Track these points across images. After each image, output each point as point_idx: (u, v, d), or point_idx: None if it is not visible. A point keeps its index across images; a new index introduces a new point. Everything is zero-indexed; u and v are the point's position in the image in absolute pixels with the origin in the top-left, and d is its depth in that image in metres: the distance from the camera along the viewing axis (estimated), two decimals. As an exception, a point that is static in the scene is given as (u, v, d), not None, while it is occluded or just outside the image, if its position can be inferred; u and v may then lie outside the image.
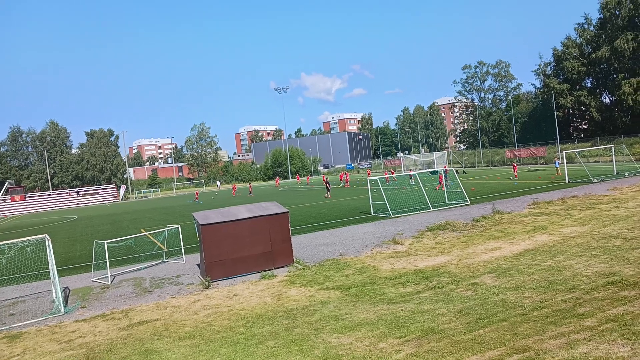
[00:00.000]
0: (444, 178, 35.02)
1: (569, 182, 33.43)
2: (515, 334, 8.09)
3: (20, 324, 11.93)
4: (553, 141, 71.51)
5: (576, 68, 76.09)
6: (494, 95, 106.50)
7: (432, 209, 25.67)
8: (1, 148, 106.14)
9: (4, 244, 13.51)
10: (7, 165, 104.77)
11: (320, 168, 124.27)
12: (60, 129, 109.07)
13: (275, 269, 15.08)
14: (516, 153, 70.86)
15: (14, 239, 13.86)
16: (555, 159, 48.09)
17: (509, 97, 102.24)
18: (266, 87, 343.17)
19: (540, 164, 62.74)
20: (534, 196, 26.92)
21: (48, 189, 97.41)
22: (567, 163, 36.60)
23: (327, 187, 42.76)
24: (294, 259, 15.84)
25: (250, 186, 68.29)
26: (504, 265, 12.90)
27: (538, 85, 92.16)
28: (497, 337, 8.01)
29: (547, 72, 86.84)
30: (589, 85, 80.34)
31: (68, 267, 19.13)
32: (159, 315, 11.50)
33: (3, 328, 11.68)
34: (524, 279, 11.33)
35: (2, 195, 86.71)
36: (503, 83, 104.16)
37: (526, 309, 9.24)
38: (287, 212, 15.91)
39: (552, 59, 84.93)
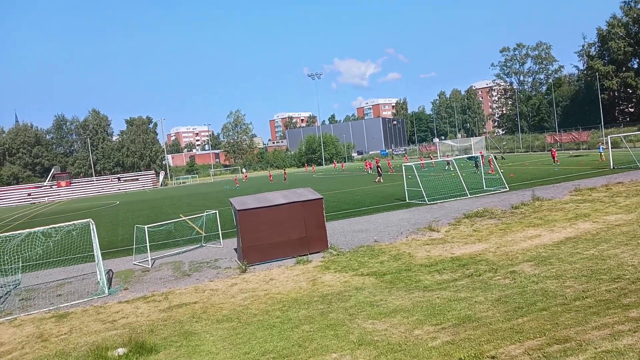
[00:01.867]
0: (479, 163, 34.28)
1: (613, 168, 32.14)
2: (556, 324, 7.89)
3: (67, 304, 12.49)
4: (597, 125, 68.82)
5: (622, 48, 72.67)
6: (533, 79, 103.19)
7: (469, 196, 25.22)
8: (47, 136, 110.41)
9: (51, 228, 14.10)
10: (53, 152, 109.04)
11: (354, 154, 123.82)
12: (102, 116, 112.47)
13: (310, 254, 15.19)
14: (557, 138, 68.58)
15: (60, 223, 14.45)
16: (599, 144, 46.20)
17: (550, 80, 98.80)
18: (300, 73, 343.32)
19: (583, 149, 60.54)
20: (576, 182, 26.04)
21: (91, 175, 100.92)
22: (612, 148, 35.13)
23: (379, 171, 42.95)
24: (329, 245, 15.91)
25: (285, 173, 68.83)
26: (544, 253, 12.57)
27: (581, 67, 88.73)
28: (536, 327, 7.83)
29: (591, 53, 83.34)
30: (636, 66, 76.62)
31: (111, 251, 19.82)
32: (197, 298, 11.80)
33: (51, 308, 12.25)
34: (565, 268, 11.01)
35: (48, 181, 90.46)
36: (543, 65, 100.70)
37: (567, 299, 8.99)
38: (322, 198, 15.95)
39: (596, 39, 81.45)
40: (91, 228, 14.12)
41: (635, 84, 72.46)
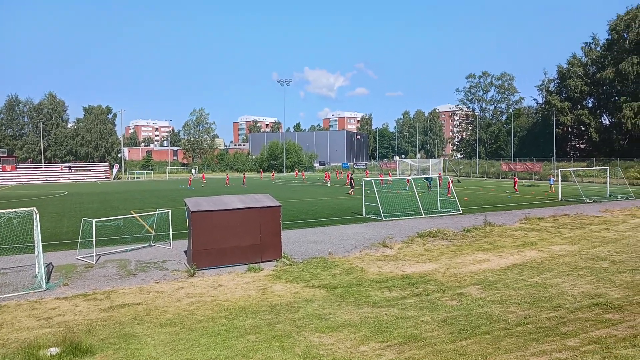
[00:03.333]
0: (433, 184, 35.04)
1: (561, 200, 33.55)
2: (498, 347, 8.07)
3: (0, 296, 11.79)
4: (549, 158, 71.71)
5: (579, 87, 76.28)
6: (495, 107, 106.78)
7: (423, 215, 25.67)
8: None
9: (-10, 214, 13.34)
10: (2, 133, 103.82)
11: (316, 164, 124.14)
12: (58, 101, 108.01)
13: (263, 262, 14.99)
14: (512, 166, 71.00)
15: (1, 210, 13.69)
16: (550, 176, 48.14)
17: (510, 110, 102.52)
18: (269, 78, 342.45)
19: (535, 179, 62.92)
20: (526, 211, 26.99)
21: (40, 162, 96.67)
22: (561, 181, 36.69)
23: (351, 184, 43.28)
24: (282, 254, 15.76)
25: (244, 176, 68.13)
26: (491, 277, 12.89)
27: (540, 101, 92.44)
28: (479, 350, 7.98)
29: (550, 89, 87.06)
30: (590, 105, 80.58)
31: (53, 243, 18.96)
32: (141, 300, 11.40)
33: (-18, 299, 11.53)
34: (509, 294, 11.32)
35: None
36: (505, 95, 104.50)
37: (510, 324, 9.23)
38: (280, 205, 15.81)
39: (556, 76, 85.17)
40: (34, 217, 13.42)
41: (589, 121, 76.11)
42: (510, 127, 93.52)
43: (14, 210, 13.75)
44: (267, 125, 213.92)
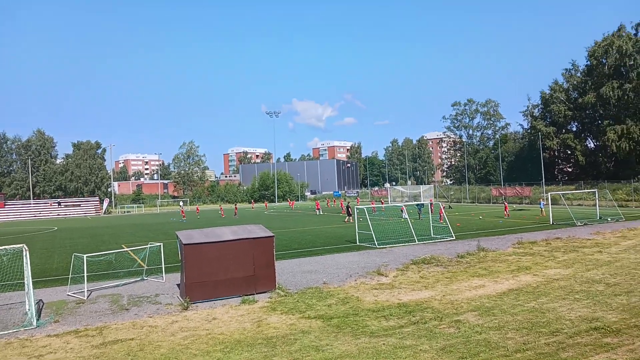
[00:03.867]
0: (420, 211, 35.05)
1: (553, 223, 33.75)
2: (498, 375, 7.98)
3: (-12, 336, 11.50)
4: (539, 182, 72.45)
5: (562, 112, 77.78)
6: (482, 133, 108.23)
7: (417, 242, 25.65)
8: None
9: (-21, 252, 13.12)
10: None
11: (307, 194, 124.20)
12: (47, 138, 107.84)
13: (257, 294, 14.82)
14: (502, 191, 71.55)
15: (-10, 247, 13.48)
16: (540, 199, 48.52)
17: (497, 136, 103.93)
18: (257, 110, 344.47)
19: (525, 203, 63.36)
20: (519, 235, 27.08)
21: (29, 198, 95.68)
22: (551, 205, 37.00)
23: (348, 212, 43.40)
24: (277, 285, 15.60)
25: (236, 207, 67.88)
26: (487, 303, 12.84)
27: (525, 126, 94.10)
28: (479, 378, 7.89)
29: (534, 114, 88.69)
30: (574, 129, 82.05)
31: (43, 279, 18.63)
32: (134, 335, 11.17)
33: (-30, 339, 11.24)
34: (507, 319, 11.26)
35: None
36: (491, 122, 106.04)
37: (509, 350, 9.15)
38: (273, 236, 15.74)
39: (539, 102, 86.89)
40: (24, 254, 13.22)
41: (574, 145, 77.31)
42: (498, 152, 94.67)
43: (3, 247, 13.55)
44: (257, 156, 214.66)
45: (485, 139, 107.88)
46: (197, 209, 72.12)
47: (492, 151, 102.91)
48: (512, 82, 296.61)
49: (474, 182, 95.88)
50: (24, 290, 13.52)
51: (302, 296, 14.43)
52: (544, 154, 77.74)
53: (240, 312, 12.97)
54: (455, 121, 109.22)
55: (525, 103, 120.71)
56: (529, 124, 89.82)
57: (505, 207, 45.89)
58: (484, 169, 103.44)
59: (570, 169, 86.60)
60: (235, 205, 77.81)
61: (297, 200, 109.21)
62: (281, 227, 39.02)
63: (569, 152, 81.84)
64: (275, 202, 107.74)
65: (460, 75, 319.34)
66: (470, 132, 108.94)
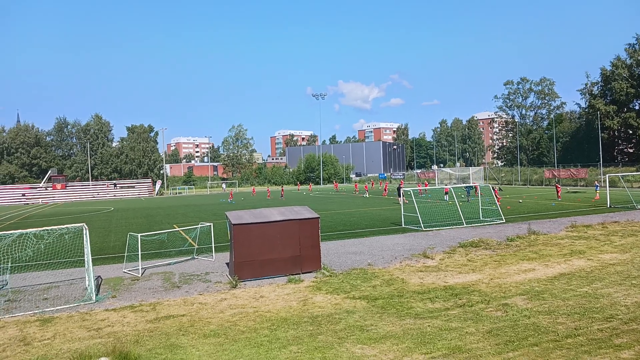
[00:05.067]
0: (469, 194, 34.21)
1: (610, 206, 32.21)
2: (547, 360, 7.80)
3: (53, 308, 12.30)
4: (595, 163, 69.16)
5: (625, 89, 73.51)
6: (535, 113, 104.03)
7: (465, 225, 25.18)
8: (47, 137, 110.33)
9: (44, 230, 13.98)
10: (52, 154, 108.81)
11: (353, 176, 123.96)
12: (104, 122, 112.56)
13: (303, 273, 15.06)
14: (555, 173, 68.80)
15: (53, 226, 14.32)
16: (596, 182, 46.34)
17: (551, 116, 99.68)
18: (303, 92, 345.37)
19: (580, 186, 60.74)
20: (572, 219, 26.05)
21: (88, 180, 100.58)
22: (609, 187, 35.27)
23: (399, 192, 42.82)
24: (322, 265, 15.79)
25: (282, 189, 68.78)
26: (537, 287, 12.49)
27: (583, 105, 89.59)
28: (527, 362, 7.73)
29: (593, 92, 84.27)
30: (637, 107, 77.43)
31: (101, 257, 19.63)
32: (185, 311, 11.65)
33: (36, 311, 12.06)
34: (557, 304, 10.93)
35: (44, 183, 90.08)
36: (546, 101, 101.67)
37: (559, 335, 8.90)
38: (318, 217, 15.89)
39: (599, 79, 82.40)
40: (84, 233, 13.99)
41: (637, 124, 73.03)
42: (552, 132, 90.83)
43: (65, 226, 14.37)
44: (303, 138, 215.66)
45: (539, 119, 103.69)
46: (254, 190, 72.95)
47: (546, 132, 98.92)
48: (569, 59, 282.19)
49: (525, 164, 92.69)
50: (84, 267, 14.33)
51: (346, 277, 14.55)
52: (603, 134, 73.99)
53: (286, 291, 13.24)
54: (508, 101, 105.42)
55: (584, 81, 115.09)
56: (587, 103, 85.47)
57: (558, 189, 43.96)
58: (537, 150, 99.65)
59: (631, 150, 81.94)
60: (282, 187, 78.74)
61: (342, 182, 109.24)
62: (326, 209, 39.26)
63: (631, 132, 77.45)
64: (320, 184, 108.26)
65: (513, 52, 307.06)
66: (523, 111, 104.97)
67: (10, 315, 11.80)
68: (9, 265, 14.52)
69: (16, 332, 10.52)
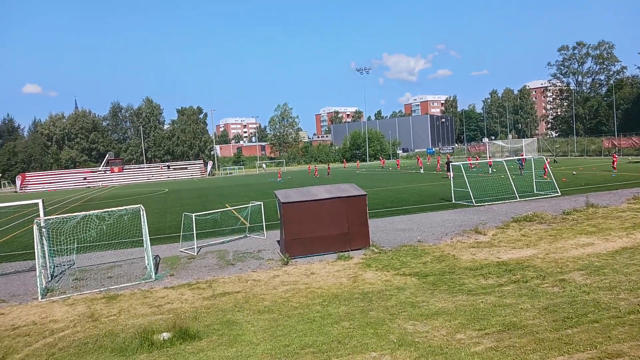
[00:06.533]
0: (522, 166, 33.11)
1: (677, 176, 30.31)
2: (609, 337, 7.54)
3: (116, 286, 13.01)
4: (661, 131, 65.05)
5: (694, 49, 68.11)
6: (593, 79, 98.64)
7: (518, 199, 24.44)
8: (103, 122, 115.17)
9: (105, 212, 14.71)
10: (108, 138, 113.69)
11: (399, 152, 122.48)
12: (155, 105, 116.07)
13: (352, 250, 15.15)
14: (615, 143, 65.26)
15: (113, 208, 15.04)
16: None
17: (611, 82, 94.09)
18: (347, 67, 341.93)
19: (643, 155, 57.41)
20: (635, 190, 24.73)
21: (142, 162, 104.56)
22: (676, 155, 33.11)
23: (448, 167, 42.04)
24: (371, 242, 15.82)
25: (328, 167, 68.97)
26: (596, 262, 12.02)
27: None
28: (587, 339, 7.51)
29: (657, 54, 78.71)
30: None
31: (158, 237, 20.46)
32: (240, 288, 12.02)
33: (102, 289, 12.80)
34: (619, 279, 10.49)
35: (103, 167, 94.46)
36: (605, 66, 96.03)
37: (621, 312, 8.56)
38: (365, 194, 15.86)
39: (664, 40, 76.78)
40: (141, 214, 14.62)
41: None
42: (611, 99, 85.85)
43: (124, 207, 15.06)
44: (348, 115, 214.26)
45: (597, 85, 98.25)
46: (316, 169, 72.40)
47: (605, 99, 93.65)
48: (629, 19, 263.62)
49: (582, 134, 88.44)
50: (143, 246, 15.02)
51: (396, 254, 14.52)
52: (669, 98, 69.17)
53: (336, 268, 13.39)
54: (563, 67, 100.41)
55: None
56: (651, 66, 79.99)
57: (614, 158, 41.20)
58: (595, 119, 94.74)
59: (700, 114, 76.44)
60: (328, 165, 78.96)
61: (389, 158, 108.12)
62: (373, 186, 39.09)
63: (700, 95, 72.10)
64: (366, 161, 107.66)
65: (567, 15, 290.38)
66: (580, 78, 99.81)
67: (79, 293, 12.58)
68: (75, 245, 15.42)
69: (84, 308, 11.22)
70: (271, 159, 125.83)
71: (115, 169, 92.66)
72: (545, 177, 29.68)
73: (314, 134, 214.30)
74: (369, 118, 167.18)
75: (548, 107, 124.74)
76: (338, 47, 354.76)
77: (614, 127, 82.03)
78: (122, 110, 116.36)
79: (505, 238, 15.77)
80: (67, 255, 15.87)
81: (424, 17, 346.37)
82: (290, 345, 8.19)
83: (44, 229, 14.12)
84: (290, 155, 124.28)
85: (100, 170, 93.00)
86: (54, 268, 15.31)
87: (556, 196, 24.88)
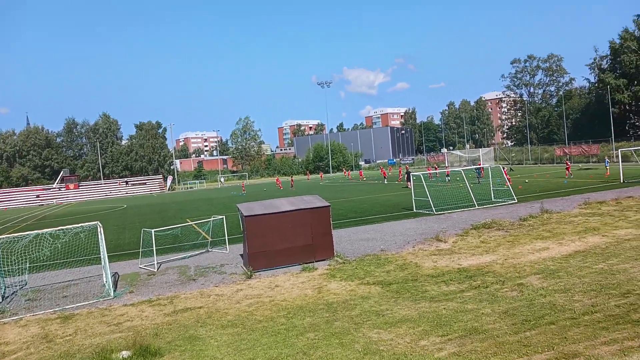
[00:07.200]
0: (479, 175, 34.25)
1: (624, 182, 31.86)
2: (565, 338, 7.79)
3: (72, 305, 12.51)
4: (607, 139, 68.28)
5: (634, 62, 72.33)
6: (544, 91, 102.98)
7: (477, 207, 25.08)
8: (57, 139, 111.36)
9: (59, 230, 14.17)
10: (63, 155, 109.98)
11: (362, 163, 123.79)
12: (112, 120, 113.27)
13: (316, 261, 15.13)
14: (566, 151, 68.13)
15: (68, 225, 14.51)
16: (606, 157, 45.72)
17: (560, 93, 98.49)
18: (309, 81, 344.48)
19: (592, 162, 60.09)
20: (586, 196, 25.82)
21: (100, 179, 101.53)
22: (622, 162, 34.85)
23: (408, 177, 42.30)
24: (335, 253, 15.85)
25: (292, 180, 68.91)
26: (552, 266, 12.45)
27: (592, 80, 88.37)
28: (544, 341, 7.74)
29: (602, 66, 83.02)
30: (648, 80, 76.14)
31: (117, 254, 19.86)
32: (202, 303, 11.78)
33: (57, 309, 12.27)
34: (573, 282, 10.89)
35: (57, 184, 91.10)
36: (554, 78, 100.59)
37: (576, 313, 8.88)
38: (329, 205, 15.91)
39: (608, 52, 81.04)
40: (98, 231, 14.16)
41: (648, 98, 72.02)
42: (561, 109, 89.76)
43: (80, 225, 14.55)
44: (310, 127, 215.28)
45: (548, 96, 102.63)
46: (278, 180, 72.04)
47: (556, 109, 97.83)
48: (576, 33, 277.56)
49: (536, 143, 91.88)
50: (101, 264, 14.53)
51: (360, 263, 14.59)
52: (614, 108, 72.98)
53: (301, 280, 13.33)
54: (515, 79, 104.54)
55: (592, 55, 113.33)
56: (596, 78, 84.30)
57: (568, 166, 43.40)
58: (547, 128, 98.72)
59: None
60: (292, 177, 78.86)
61: (352, 169, 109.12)
62: (337, 197, 39.29)
63: (642, 105, 76.34)
64: (330, 172, 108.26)
65: (519, 30, 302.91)
66: (532, 90, 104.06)
67: (32, 314, 12.02)
68: (27, 265, 14.76)
69: (38, 329, 10.73)
70: (233, 172, 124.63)
71: (71, 185, 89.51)
72: (508, 184, 30.53)
73: (277, 147, 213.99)
74: (331, 130, 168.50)
75: (503, 117, 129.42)
76: (299, 61, 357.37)
77: (565, 135, 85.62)
78: (78, 127, 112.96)
79: (465, 245, 16.12)
80: (19, 275, 15.19)
81: (383, 31, 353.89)
82: (255, 358, 8.07)
83: (-7, 249, 13.46)
84: (253, 168, 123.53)
85: (55, 188, 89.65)
86: (5, 289, 14.59)
87: (513, 203, 25.67)
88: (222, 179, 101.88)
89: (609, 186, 30.67)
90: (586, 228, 16.98)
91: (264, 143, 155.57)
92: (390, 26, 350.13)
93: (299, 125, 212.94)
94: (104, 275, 14.19)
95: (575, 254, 13.49)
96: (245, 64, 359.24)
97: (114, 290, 13.49)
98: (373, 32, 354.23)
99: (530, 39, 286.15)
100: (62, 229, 14.23)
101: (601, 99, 79.23)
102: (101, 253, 14.14)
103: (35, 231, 14.10)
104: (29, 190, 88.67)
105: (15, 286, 15.09)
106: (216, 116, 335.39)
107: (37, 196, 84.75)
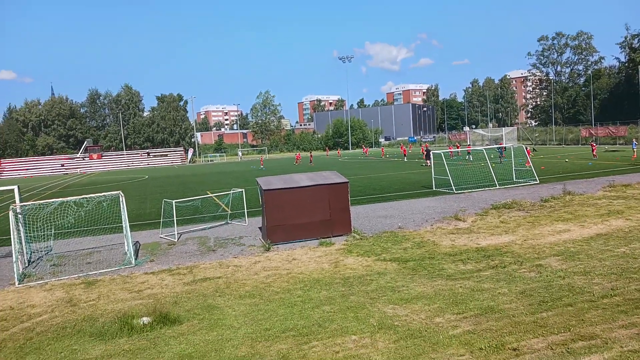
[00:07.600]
0: (501, 155, 33.67)
1: (651, 165, 31.04)
2: (582, 320, 7.73)
3: (96, 272, 12.87)
4: (636, 120, 66.31)
5: (668, 41, 69.49)
6: (571, 69, 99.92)
7: (498, 187, 24.79)
8: (81, 109, 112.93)
9: (83, 198, 14.49)
10: (87, 125, 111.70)
11: (382, 140, 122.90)
12: (134, 92, 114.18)
13: (334, 237, 15.21)
14: (592, 132, 66.43)
15: (91, 194, 14.82)
16: (633, 139, 44.44)
17: (589, 72, 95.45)
18: (330, 56, 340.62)
19: (619, 144, 58.58)
20: (610, 178, 25.28)
21: (122, 149, 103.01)
22: (650, 145, 33.88)
23: (428, 155, 41.69)
24: (352, 229, 15.90)
25: (311, 155, 68.90)
26: (572, 248, 12.30)
27: (622, 60, 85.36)
28: (561, 322, 7.70)
29: (633, 45, 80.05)
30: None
31: (139, 223, 20.26)
32: (221, 274, 12.00)
33: (81, 275, 12.65)
34: (593, 264, 10.75)
35: (81, 153, 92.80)
36: (583, 56, 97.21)
37: (595, 296, 8.79)
38: (347, 182, 15.90)
39: (640, 31, 78.04)
40: (120, 200, 14.44)
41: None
42: (589, 89, 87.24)
43: (102, 194, 14.85)
44: (330, 103, 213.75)
45: (575, 75, 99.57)
46: (298, 156, 70.80)
47: (583, 89, 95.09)
48: (607, 10, 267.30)
49: (561, 123, 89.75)
50: (122, 232, 14.86)
51: (377, 240, 14.63)
52: (644, 89, 70.56)
53: (317, 254, 13.44)
54: (542, 57, 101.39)
55: (623, 33, 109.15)
56: (627, 57, 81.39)
57: (593, 147, 42.46)
58: (573, 109, 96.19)
59: (674, 105, 78.15)
60: (310, 152, 78.82)
61: (371, 146, 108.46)
62: (355, 174, 39.22)
63: (674, 86, 73.71)
64: (349, 149, 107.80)
65: (547, 6, 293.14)
66: (559, 68, 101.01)
67: (57, 279, 12.42)
68: (53, 232, 15.16)
69: (63, 294, 11.09)
70: (253, 146, 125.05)
71: (94, 155, 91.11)
72: (527, 165, 30.07)
73: (297, 122, 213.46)
74: (351, 106, 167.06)
75: (528, 96, 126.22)
76: (320, 35, 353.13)
77: (591, 116, 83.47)
78: (101, 97, 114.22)
79: (485, 225, 16.01)
80: (45, 241, 15.63)
81: (407, 6, 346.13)
82: (271, 329, 8.22)
83: (20, 215, 13.85)
84: (273, 143, 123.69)
85: (79, 157, 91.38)
86: (31, 254, 15.06)
87: (535, 184, 25.30)
88: (239, 153, 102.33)
89: (636, 169, 29.93)
90: (609, 211, 16.66)
91: (283, 118, 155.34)
92: (413, 0, 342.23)
93: (319, 101, 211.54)
94: (125, 243, 14.52)
95: (596, 237, 13.29)
96: (266, 38, 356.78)
97: (135, 259, 13.81)
98: (396, 6, 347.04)
99: (559, 16, 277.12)
100: (86, 197, 14.55)
101: (631, 79, 76.77)
102: (123, 222, 14.45)
103: (60, 199, 14.44)
104: (53, 160, 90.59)
105: (41, 252, 15.57)
106: (237, 90, 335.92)
107: (62, 165, 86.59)
